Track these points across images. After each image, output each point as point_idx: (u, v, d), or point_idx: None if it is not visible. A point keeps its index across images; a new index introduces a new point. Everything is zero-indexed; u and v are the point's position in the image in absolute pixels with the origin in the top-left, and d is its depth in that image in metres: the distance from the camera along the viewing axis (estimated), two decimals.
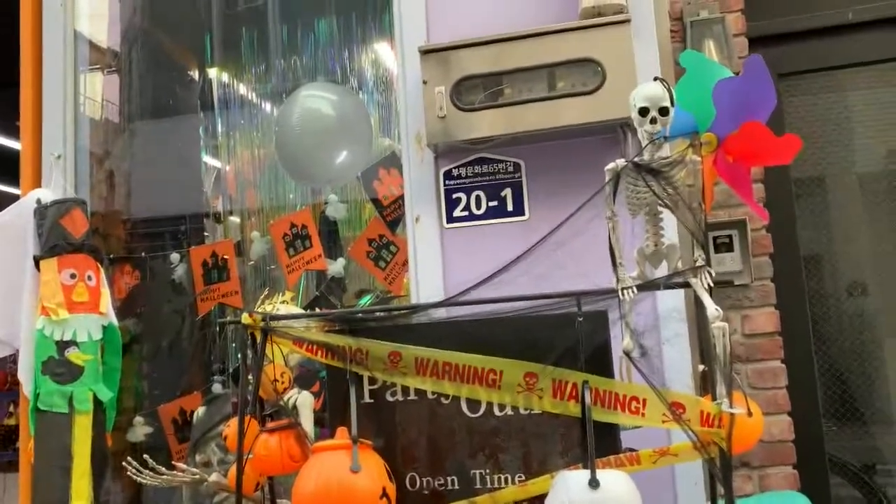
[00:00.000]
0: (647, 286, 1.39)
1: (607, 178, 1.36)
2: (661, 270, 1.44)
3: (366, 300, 3.01)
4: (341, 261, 2.83)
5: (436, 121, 2.06)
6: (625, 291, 1.36)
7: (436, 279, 2.19)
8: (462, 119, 2.06)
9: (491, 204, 2.20)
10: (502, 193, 2.20)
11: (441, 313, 1.57)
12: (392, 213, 2.88)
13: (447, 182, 2.22)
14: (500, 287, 1.47)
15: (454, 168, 2.22)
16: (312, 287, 2.92)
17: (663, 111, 1.30)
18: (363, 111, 2.95)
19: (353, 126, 2.80)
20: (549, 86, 2.09)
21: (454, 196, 2.22)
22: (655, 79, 1.33)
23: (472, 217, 2.20)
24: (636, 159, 1.33)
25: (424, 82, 2.09)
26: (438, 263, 2.20)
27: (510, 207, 2.19)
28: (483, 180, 2.21)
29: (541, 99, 2.02)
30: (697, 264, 1.34)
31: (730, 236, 2.36)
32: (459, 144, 2.13)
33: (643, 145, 1.33)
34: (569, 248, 1.45)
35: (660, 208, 1.38)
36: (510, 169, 2.19)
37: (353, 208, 2.97)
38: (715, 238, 2.35)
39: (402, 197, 2.64)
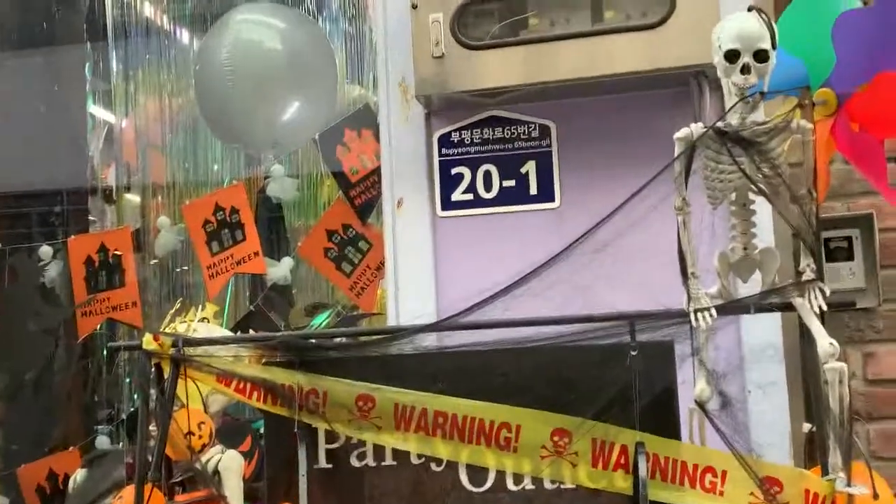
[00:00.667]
0: (732, 308, 1.39)
1: (677, 151, 1.36)
2: (753, 286, 1.44)
3: (322, 318, 3.01)
4: (288, 262, 2.82)
5: (429, 62, 2.08)
6: (699, 315, 1.36)
7: (425, 291, 2.20)
8: (467, 61, 2.08)
9: (506, 184, 2.22)
10: (523, 169, 2.22)
11: (432, 341, 1.57)
12: (363, 195, 2.88)
13: (444, 151, 2.24)
14: (519, 304, 1.46)
15: (454, 131, 2.24)
16: (245, 298, 2.92)
17: (760, 56, 1.30)
18: (323, 46, 2.95)
19: (308, 67, 2.80)
20: (594, 16, 2.10)
21: (453, 171, 2.23)
22: (750, 9, 1.32)
23: (478, 202, 2.22)
24: (720, 124, 1.32)
25: (414, 6, 2.11)
26: (429, 268, 2.22)
27: (534, 189, 2.21)
28: (496, 150, 2.23)
29: (581, 35, 2.05)
30: (805, 278, 1.34)
31: (849, 239, 2.36)
32: (463, 97, 2.14)
33: (730, 105, 1.33)
34: (619, 249, 1.45)
35: (752, 196, 1.38)
36: (535, 134, 2.22)
37: (306, 186, 2.97)
38: (828, 241, 2.35)
39: (377, 171, 2.65)
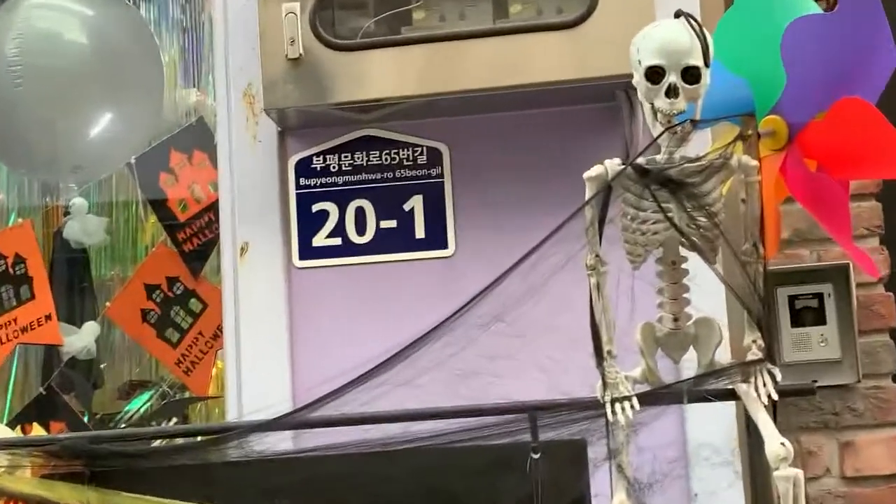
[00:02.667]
0: (659, 397, 1.41)
1: (588, 194, 1.38)
2: (688, 367, 1.46)
3: (140, 402, 2.95)
4: (92, 328, 2.74)
5: (282, 65, 2.09)
6: (617, 406, 1.37)
7: (276, 368, 2.20)
8: (333, 65, 2.09)
9: (385, 225, 2.24)
10: (407, 206, 2.24)
11: (285, 441, 1.57)
12: (195, 238, 2.84)
13: (302, 181, 2.26)
14: (390, 394, 1.46)
15: (316, 156, 2.26)
16: (35, 378, 2.83)
17: (691, 75, 1.32)
18: (145, 39, 2.91)
19: (123, 66, 2.75)
20: (497, 10, 2.14)
21: (315, 208, 2.25)
22: (678, 14, 1.35)
23: (347, 249, 2.24)
24: (641, 161, 1.35)
25: None
26: (282, 337, 2.22)
27: (420, 232, 2.23)
28: (371, 181, 2.24)
29: (480, 34, 2.08)
30: (750, 357, 1.37)
31: (820, 297, 2.44)
32: (328, 111, 2.16)
33: (654, 135, 1.36)
34: (517, 321, 1.46)
35: (683, 252, 1.40)
36: (422, 160, 2.24)
37: (118, 224, 2.90)
38: (794, 300, 2.43)
39: (214, 207, 2.62)
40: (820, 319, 2.43)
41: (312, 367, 2.20)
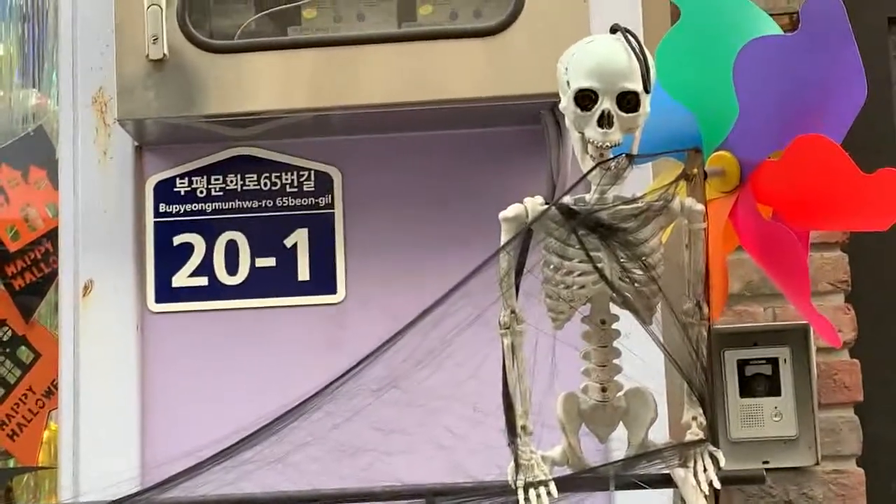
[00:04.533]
0: (582, 481, 1.42)
1: (504, 237, 1.38)
2: (616, 448, 1.47)
3: None
4: None
5: (142, 68, 2.08)
6: (532, 491, 1.37)
7: (124, 435, 2.18)
8: (204, 69, 2.09)
9: (261, 263, 2.25)
10: (289, 241, 2.25)
11: None
12: (28, 272, 2.80)
13: (162, 208, 2.26)
14: (263, 470, 1.45)
15: (180, 178, 2.26)
16: None
17: (628, 101, 1.33)
18: None
19: None
20: (403, 12, 2.17)
21: (177, 241, 2.25)
22: (614, 29, 1.37)
23: (216, 291, 2.24)
24: (567, 200, 1.36)
25: None
26: (132, 397, 2.20)
27: (304, 273, 2.25)
28: (246, 209, 2.26)
29: (382, 39, 2.09)
30: (689, 437, 1.38)
31: (774, 362, 2.47)
32: (196, 124, 2.16)
33: (584, 170, 1.38)
34: (412, 389, 1.45)
35: (614, 309, 1.42)
36: (309, 187, 2.26)
37: None
38: (743, 365, 2.46)
39: (53, 235, 2.58)
40: (774, 389, 2.47)
41: (167, 436, 2.18)
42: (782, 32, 1.53)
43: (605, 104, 1.35)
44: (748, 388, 2.44)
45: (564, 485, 1.40)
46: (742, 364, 2.45)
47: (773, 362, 2.46)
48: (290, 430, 1.43)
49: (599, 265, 1.37)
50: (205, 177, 2.26)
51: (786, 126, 1.44)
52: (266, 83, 2.10)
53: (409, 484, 1.45)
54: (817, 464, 2.46)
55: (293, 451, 1.42)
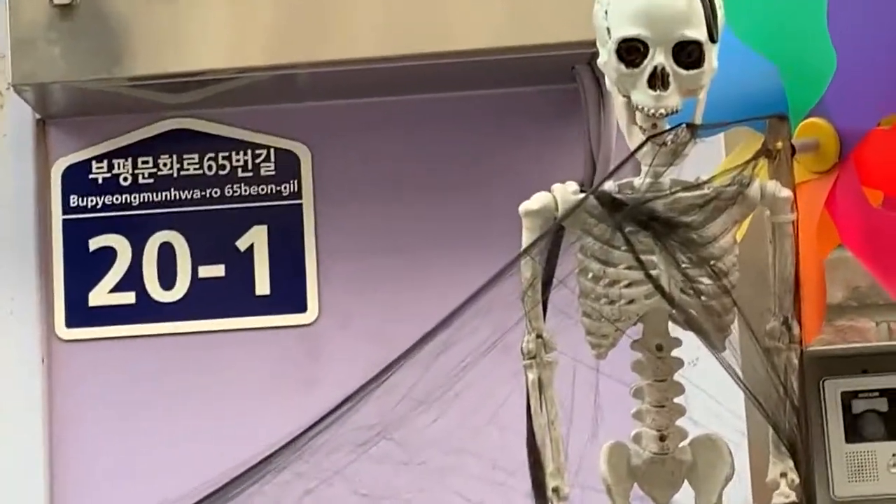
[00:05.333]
0: None
1: (526, 238, 1.39)
2: None
3: None
4: None
5: (45, 15, 2.07)
6: None
7: (26, 493, 2.21)
8: (127, 15, 2.10)
9: (206, 272, 2.29)
10: (242, 243, 2.29)
11: None
12: None
13: (74, 202, 2.30)
14: None
15: (97, 160, 2.30)
16: None
17: (688, 54, 1.32)
18: None
19: None
20: None
21: (94, 245, 2.29)
22: None
23: (144, 310, 2.28)
24: (610, 186, 1.35)
25: None
26: (37, 446, 2.23)
27: (263, 286, 2.29)
28: (186, 200, 2.30)
29: None
30: (778, 499, 1.37)
31: (890, 395, 2.46)
32: (117, 90, 2.20)
33: (631, 146, 1.37)
34: (419, 433, 1.45)
35: (675, 331, 1.41)
36: (269, 171, 2.30)
37: None
38: (849, 399, 2.46)
39: None
40: (891, 431, 2.46)
41: (80, 494, 2.21)
42: None
43: (659, 58, 1.34)
44: (857, 429, 2.44)
45: None
46: (848, 398, 2.45)
47: (890, 394, 2.46)
48: (248, 496, 1.44)
49: (653, 272, 1.36)
50: (129, 159, 2.28)
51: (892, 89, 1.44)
52: (212, 34, 2.11)
53: None
54: None
55: None
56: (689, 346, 1.43)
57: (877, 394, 2.46)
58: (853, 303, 2.49)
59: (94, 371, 2.26)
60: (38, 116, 2.23)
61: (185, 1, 2.09)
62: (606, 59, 1.37)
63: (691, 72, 1.34)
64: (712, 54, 1.35)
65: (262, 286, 2.24)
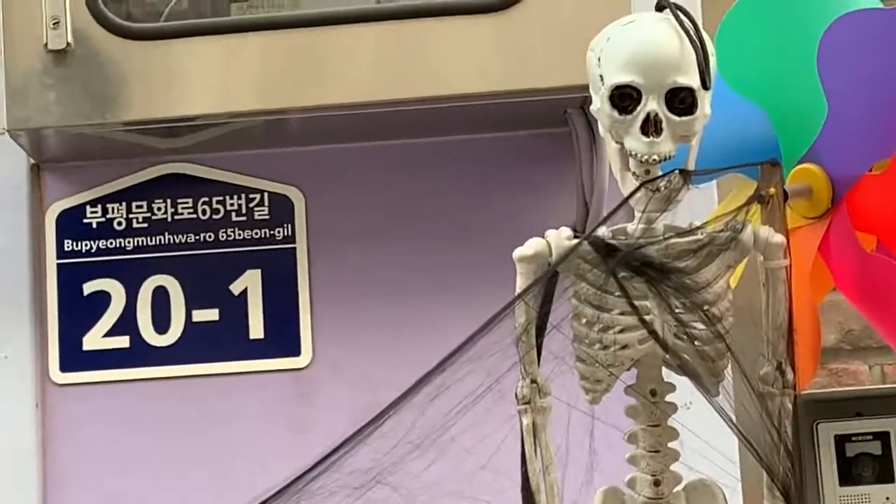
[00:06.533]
0: None
1: (520, 282, 1.41)
2: None
3: None
4: None
5: (40, 61, 2.09)
6: None
7: None
8: (122, 61, 2.11)
9: (200, 317, 2.29)
10: (236, 287, 2.30)
11: None
12: None
13: (69, 246, 2.30)
14: None
15: (91, 205, 2.30)
16: None
17: (681, 100, 1.33)
18: None
19: None
20: None
21: (88, 289, 2.30)
22: (661, 6, 1.37)
23: (139, 355, 2.28)
24: (605, 232, 1.37)
25: None
26: (31, 495, 2.22)
27: (257, 330, 2.29)
28: (180, 245, 2.30)
29: (358, 18, 2.12)
30: None
31: (883, 438, 2.46)
32: (112, 135, 2.20)
33: (624, 191, 1.37)
34: (413, 478, 1.45)
35: (668, 376, 1.42)
36: (262, 214, 2.30)
37: None
38: (843, 442, 2.46)
39: None
40: (885, 474, 2.46)
41: None
42: (882, 4, 1.54)
43: (651, 105, 1.34)
44: (851, 473, 2.44)
45: None
46: (842, 441, 2.45)
47: (883, 438, 2.46)
48: None
49: (647, 318, 1.36)
50: (124, 203, 2.28)
51: (891, 128, 1.45)
52: (204, 79, 2.12)
53: None
54: None
55: None
56: (683, 391, 1.43)
57: (870, 437, 2.46)
58: (846, 346, 2.49)
59: (88, 414, 2.26)
60: (32, 161, 2.24)
61: (177, 47, 2.09)
62: (599, 105, 1.38)
63: (684, 118, 1.35)
64: (705, 101, 1.36)
65: (256, 330, 2.24)
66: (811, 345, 1.49)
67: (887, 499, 2.44)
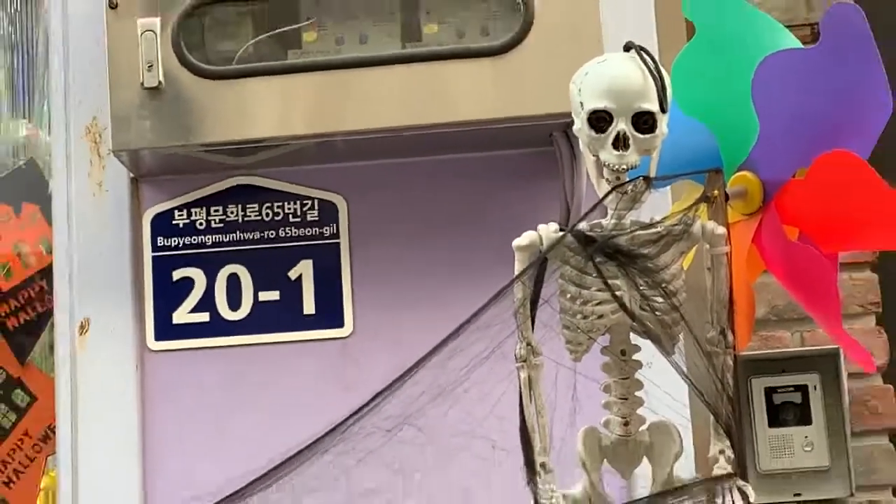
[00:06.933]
0: None
1: (518, 266, 1.39)
2: (641, 485, 1.48)
3: None
4: None
5: (138, 96, 2.09)
6: None
7: (124, 480, 2.19)
8: (201, 96, 2.10)
9: (265, 297, 2.27)
10: (293, 273, 2.27)
11: None
12: (22, 312, 2.81)
13: (161, 242, 2.27)
14: None
15: (178, 210, 2.28)
16: None
17: (644, 121, 1.34)
18: None
19: None
20: (407, 32, 2.17)
21: (177, 276, 2.27)
22: (628, 47, 1.37)
23: (217, 327, 2.26)
24: (584, 227, 1.37)
25: (112, 5, 2.11)
26: (132, 441, 2.21)
27: (309, 306, 2.26)
28: (248, 241, 2.27)
29: (387, 61, 2.11)
30: (717, 471, 1.38)
31: (803, 390, 2.47)
32: (194, 154, 2.18)
33: (599, 194, 1.38)
34: (426, 428, 1.45)
35: (635, 339, 1.42)
36: (313, 216, 2.28)
37: None
38: (771, 393, 2.46)
39: (47, 271, 2.58)
40: (804, 418, 2.46)
41: (169, 479, 2.19)
42: (802, 45, 1.53)
43: (621, 125, 1.35)
44: (777, 417, 2.44)
45: None
46: (770, 392, 2.45)
47: (803, 389, 2.46)
48: (299, 473, 1.43)
49: (618, 293, 1.37)
50: (204, 208, 2.27)
51: (809, 143, 1.44)
52: (266, 109, 2.11)
53: None
54: (851, 495, 2.46)
55: (303, 495, 1.42)
56: (647, 351, 1.43)
57: (792, 389, 2.46)
58: (773, 317, 2.49)
59: (176, 375, 2.25)
60: (132, 175, 2.23)
61: (245, 84, 2.10)
62: (580, 126, 1.38)
63: (647, 136, 1.37)
64: (663, 122, 1.38)
65: (309, 307, 2.24)
66: (747, 316, 1.49)
67: (806, 437, 2.44)
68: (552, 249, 1.38)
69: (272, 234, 2.27)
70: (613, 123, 1.35)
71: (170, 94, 2.10)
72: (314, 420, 1.47)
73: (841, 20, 1.46)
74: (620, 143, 1.35)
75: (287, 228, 2.28)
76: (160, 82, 2.09)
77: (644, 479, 1.46)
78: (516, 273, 1.39)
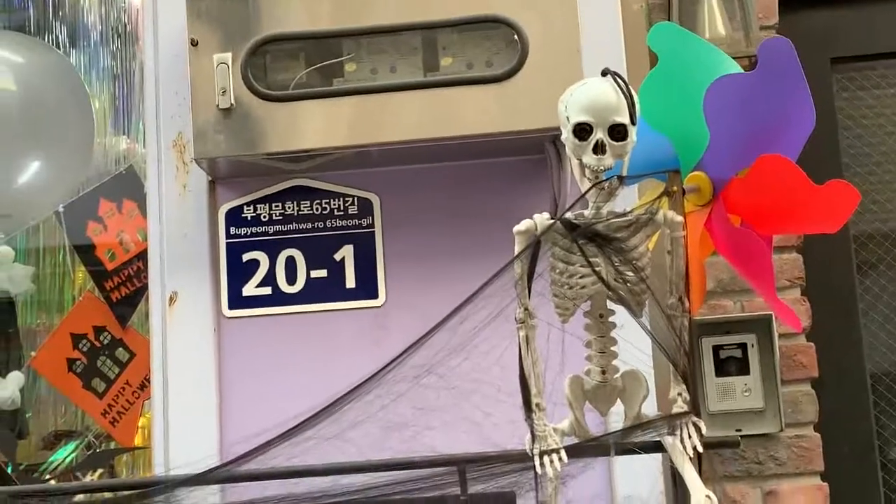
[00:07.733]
0: (587, 449, 1.42)
1: (517, 248, 1.39)
2: (615, 420, 1.47)
3: (66, 452, 2.90)
4: (16, 377, 2.70)
5: (213, 115, 2.09)
6: (546, 458, 1.37)
7: (205, 419, 2.20)
8: (264, 115, 2.10)
9: (315, 274, 2.26)
10: (338, 255, 2.27)
11: (213, 495, 1.56)
12: (123, 287, 2.82)
13: (233, 231, 2.27)
14: (321, 445, 1.46)
15: (247, 205, 2.28)
16: None
17: (617, 132, 1.35)
18: (75, 86, 2.89)
19: (52, 113, 2.73)
20: (428, 63, 2.16)
21: (245, 258, 2.26)
22: (605, 73, 1.38)
23: (278, 298, 2.25)
24: (570, 216, 1.37)
25: (193, 42, 2.11)
26: (211, 387, 2.22)
27: (351, 282, 2.25)
28: (302, 230, 2.27)
29: (411, 86, 2.10)
30: (676, 410, 1.38)
31: (743, 347, 2.47)
32: (259, 161, 2.18)
33: (582, 190, 1.38)
34: (445, 375, 1.46)
35: (611, 305, 1.42)
36: (353, 210, 2.27)
37: (45, 273, 2.87)
38: (717, 349, 2.45)
39: (143, 256, 2.60)
40: (744, 369, 2.45)
41: (241, 419, 2.19)
42: (743, 71, 1.53)
43: (599, 135, 1.35)
44: (722, 368, 2.43)
45: (573, 452, 1.41)
46: (717, 349, 2.43)
47: (743, 347, 2.44)
48: (345, 411, 1.43)
49: (597, 269, 1.37)
50: (267, 204, 2.28)
51: (749, 149, 1.45)
52: (315, 125, 2.11)
53: (444, 454, 1.45)
54: (781, 430, 2.44)
55: (348, 428, 1.42)
56: (620, 315, 1.43)
57: (735, 346, 2.46)
58: (719, 289, 2.47)
59: (246, 337, 2.24)
60: (209, 178, 2.23)
61: (299, 105, 2.10)
62: (566, 136, 1.38)
63: (620, 143, 1.37)
64: (633, 132, 1.38)
65: (350, 282, 2.24)
66: (699, 287, 1.49)
67: (745, 384, 2.44)
68: (545, 234, 1.38)
69: (321, 224, 2.27)
70: (593, 133, 1.35)
71: (239, 113, 2.10)
72: (353, 371, 1.47)
73: (774, 52, 1.46)
74: (599, 149, 1.35)
75: (332, 220, 2.27)
76: (232, 104, 2.08)
77: (618, 416, 1.47)
78: (516, 253, 1.39)
